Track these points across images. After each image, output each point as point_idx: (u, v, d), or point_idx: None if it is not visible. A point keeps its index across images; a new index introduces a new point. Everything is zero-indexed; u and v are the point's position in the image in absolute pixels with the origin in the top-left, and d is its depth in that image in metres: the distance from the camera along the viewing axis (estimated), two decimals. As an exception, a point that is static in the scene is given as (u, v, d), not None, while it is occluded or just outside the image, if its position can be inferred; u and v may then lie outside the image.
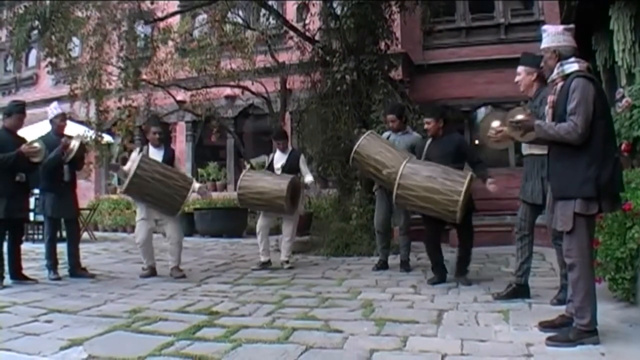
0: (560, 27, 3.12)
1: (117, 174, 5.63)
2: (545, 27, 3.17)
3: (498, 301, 3.93)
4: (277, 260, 6.07)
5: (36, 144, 4.98)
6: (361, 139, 5.40)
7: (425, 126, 4.99)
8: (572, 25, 3.16)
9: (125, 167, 5.47)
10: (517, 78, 3.88)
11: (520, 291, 3.97)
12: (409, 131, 5.78)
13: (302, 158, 6.22)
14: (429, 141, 5.00)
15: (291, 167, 6.00)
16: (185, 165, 11.83)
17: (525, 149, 3.90)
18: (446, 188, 4.38)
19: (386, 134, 5.80)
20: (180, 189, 5.21)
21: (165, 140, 6.01)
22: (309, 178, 6.03)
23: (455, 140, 5.02)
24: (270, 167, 6.14)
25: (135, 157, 5.51)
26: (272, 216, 6.11)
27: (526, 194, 3.88)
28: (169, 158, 5.64)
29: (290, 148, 6.38)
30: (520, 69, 3.85)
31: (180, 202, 5.20)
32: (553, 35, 3.06)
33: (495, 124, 3.34)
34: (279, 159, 6.11)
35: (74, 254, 5.55)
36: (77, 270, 5.50)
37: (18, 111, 5.13)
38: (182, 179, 5.27)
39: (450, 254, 5.94)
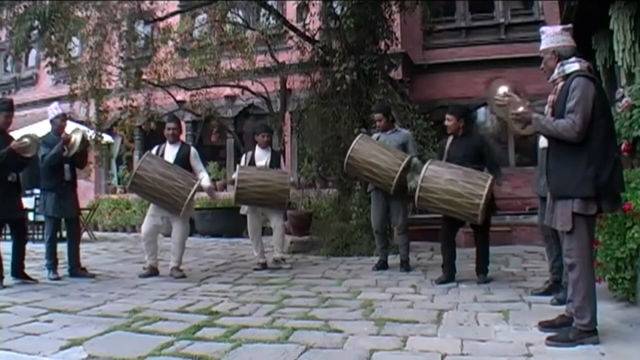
0: (558, 28, 3.12)
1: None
2: (543, 28, 3.18)
3: (498, 301, 3.93)
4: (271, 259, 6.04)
5: (25, 140, 4.95)
6: (354, 143, 5.40)
7: (445, 122, 4.98)
8: (570, 25, 3.16)
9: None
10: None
11: (555, 287, 3.95)
12: (397, 129, 5.80)
13: (281, 157, 6.31)
14: (449, 139, 5.01)
15: (275, 165, 5.98)
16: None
17: (542, 143, 3.87)
18: (467, 191, 4.40)
19: (375, 135, 5.80)
20: (180, 190, 5.18)
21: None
22: (291, 178, 6.24)
23: (476, 141, 5.05)
24: (252, 164, 5.99)
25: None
26: (258, 216, 6.00)
27: (540, 188, 3.84)
28: (184, 154, 5.60)
29: (269, 147, 6.24)
30: None
31: (181, 203, 5.19)
32: (551, 36, 3.06)
33: (503, 89, 3.30)
34: (262, 156, 6.00)
35: (74, 254, 5.55)
36: (77, 270, 5.50)
37: (5, 109, 5.08)
38: (183, 180, 5.23)
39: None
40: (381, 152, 5.27)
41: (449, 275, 4.80)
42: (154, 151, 5.66)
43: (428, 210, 4.90)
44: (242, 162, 6.06)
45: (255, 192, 5.63)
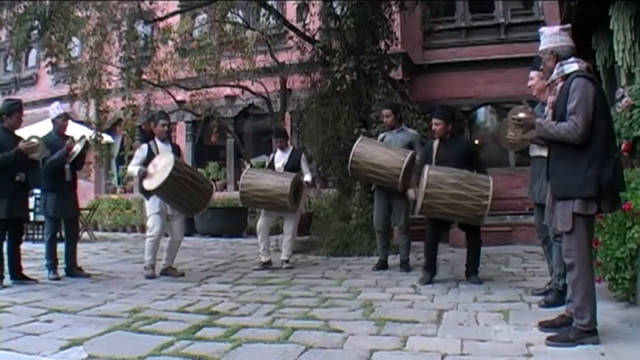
0: (557, 28, 3.11)
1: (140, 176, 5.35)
2: (542, 29, 3.17)
3: (498, 301, 3.93)
4: (277, 260, 6.06)
5: (34, 140, 4.96)
6: (355, 146, 5.40)
7: (433, 127, 4.89)
8: (568, 25, 3.15)
9: (150, 170, 5.27)
10: (530, 82, 3.90)
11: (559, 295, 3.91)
12: (404, 128, 5.80)
13: (303, 157, 6.25)
14: (436, 143, 4.95)
15: (293, 166, 6.02)
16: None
17: (534, 151, 3.88)
18: (473, 193, 4.40)
19: (382, 135, 5.80)
20: (206, 192, 5.30)
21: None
22: (308, 177, 6.04)
23: (465, 143, 5.06)
24: (271, 166, 6.14)
25: (140, 154, 5.46)
26: (272, 215, 6.10)
27: (534, 195, 3.86)
28: (175, 153, 5.57)
29: (290, 147, 6.38)
30: (533, 73, 3.86)
31: (204, 204, 5.24)
32: (550, 36, 3.05)
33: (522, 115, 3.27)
34: (280, 157, 6.12)
35: (71, 254, 5.55)
36: (73, 270, 5.50)
37: (16, 110, 5.11)
38: (206, 181, 5.32)
39: (451, 254, 5.93)
40: (383, 152, 5.28)
41: (432, 275, 4.82)
42: (145, 148, 5.49)
43: (430, 215, 4.79)
44: (266, 164, 6.31)
45: (257, 197, 5.74)
